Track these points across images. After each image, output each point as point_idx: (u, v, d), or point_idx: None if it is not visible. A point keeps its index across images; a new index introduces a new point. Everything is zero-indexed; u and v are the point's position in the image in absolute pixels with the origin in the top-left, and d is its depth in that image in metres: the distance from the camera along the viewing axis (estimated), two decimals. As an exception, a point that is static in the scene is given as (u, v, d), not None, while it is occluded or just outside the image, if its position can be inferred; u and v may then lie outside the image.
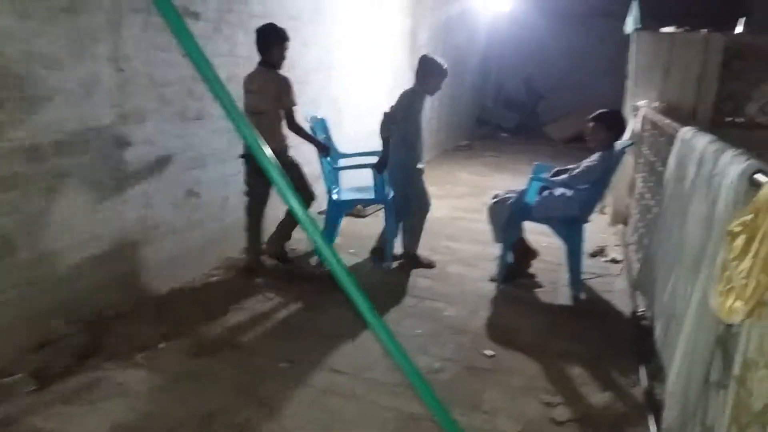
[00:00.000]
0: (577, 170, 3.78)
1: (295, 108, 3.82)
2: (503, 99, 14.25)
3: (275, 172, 1.33)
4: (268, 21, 4.51)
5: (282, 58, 3.84)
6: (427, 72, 4.23)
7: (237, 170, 4.32)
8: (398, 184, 4.29)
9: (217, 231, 4.20)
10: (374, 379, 2.81)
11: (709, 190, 2.16)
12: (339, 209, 4.52)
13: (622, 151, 3.86)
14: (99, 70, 3.07)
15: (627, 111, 5.56)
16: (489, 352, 3.10)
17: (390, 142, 4.16)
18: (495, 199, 4.09)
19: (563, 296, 3.96)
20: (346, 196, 4.58)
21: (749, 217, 1.51)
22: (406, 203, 4.29)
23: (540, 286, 4.12)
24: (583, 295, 3.92)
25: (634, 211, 5.08)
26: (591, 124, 3.95)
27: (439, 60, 4.27)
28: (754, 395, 1.41)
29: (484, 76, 13.14)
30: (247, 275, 4.00)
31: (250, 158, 3.86)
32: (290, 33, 4.91)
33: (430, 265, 4.37)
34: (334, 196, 4.41)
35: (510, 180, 7.98)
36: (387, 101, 7.43)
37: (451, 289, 4.00)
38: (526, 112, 14.02)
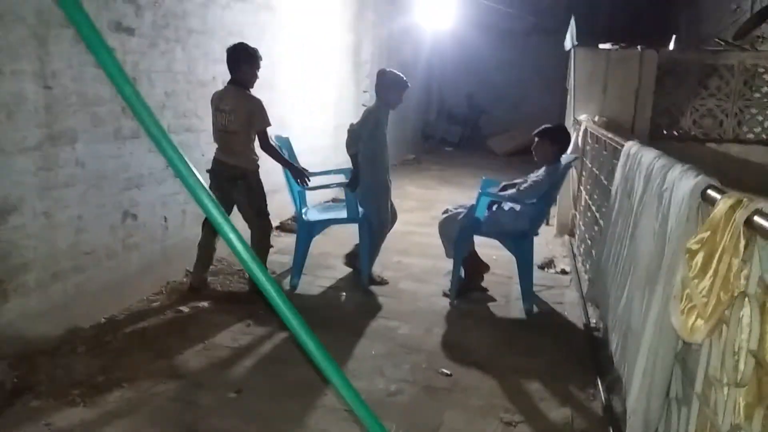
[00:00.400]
0: (525, 185, 3.80)
1: (267, 129, 3.77)
2: (446, 114, 14.44)
3: (204, 197, 1.21)
4: (207, 37, 4.39)
5: (254, 77, 3.79)
6: (389, 86, 4.20)
7: (176, 190, 4.14)
8: (369, 200, 4.20)
9: (157, 254, 4.00)
10: (325, 406, 2.69)
11: (660, 204, 2.17)
12: (310, 230, 4.35)
13: (568, 165, 3.92)
14: (23, 88, 2.86)
15: (569, 125, 5.68)
16: (445, 371, 3.03)
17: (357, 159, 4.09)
18: (445, 215, 4.07)
19: (516, 309, 3.95)
20: (317, 216, 4.45)
21: (707, 234, 1.50)
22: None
23: (493, 300, 4.10)
24: (535, 308, 3.93)
25: (579, 222, 5.17)
26: (536, 139, 3.99)
27: (398, 73, 4.23)
28: (720, 414, 1.39)
29: (427, 91, 13.27)
30: (192, 294, 3.86)
31: (213, 173, 3.80)
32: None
33: (382, 282, 4.30)
34: (304, 217, 4.28)
35: (457, 193, 8.04)
36: (332, 116, 7.42)
37: (405, 307, 3.93)
38: (469, 126, 14.25)
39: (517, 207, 3.87)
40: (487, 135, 13.65)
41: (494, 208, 3.97)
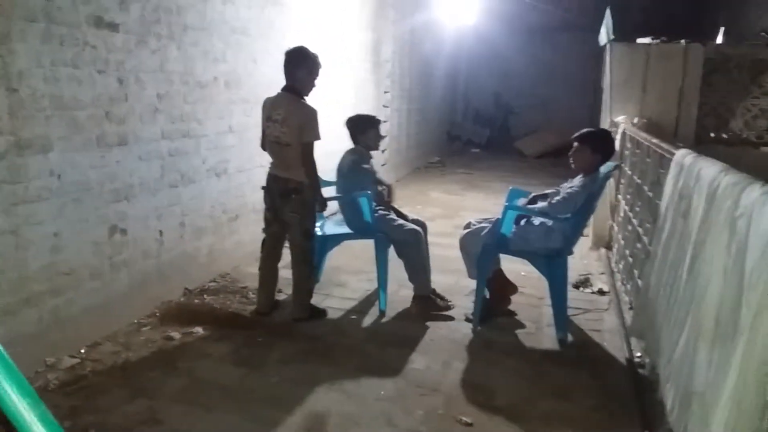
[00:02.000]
0: (558, 198, 3.34)
1: (314, 143, 3.42)
2: (473, 114, 13.97)
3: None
4: (207, 33, 4.03)
5: (311, 86, 3.48)
6: (360, 129, 4.06)
7: (172, 201, 3.79)
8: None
9: (150, 272, 3.64)
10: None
11: (733, 234, 1.71)
12: (325, 244, 4.02)
13: (607, 176, 3.44)
14: (-17, 90, 2.52)
15: (604, 127, 5.18)
16: (465, 420, 2.60)
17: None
18: (467, 230, 3.63)
19: (548, 338, 3.49)
20: (333, 230, 4.07)
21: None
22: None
23: (522, 326, 3.65)
24: (570, 337, 3.46)
25: (618, 235, 4.68)
26: (575, 144, 3.51)
27: (364, 114, 4.24)
28: None
29: (453, 90, 12.81)
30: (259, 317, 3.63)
31: (267, 189, 3.55)
32: (235, 48, 4.45)
33: (447, 308, 3.85)
34: (319, 231, 3.90)
35: (483, 199, 7.59)
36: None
37: (422, 333, 3.50)
38: (496, 127, 13.76)
39: (549, 222, 3.41)
40: (515, 136, 13.14)
41: (522, 222, 3.52)
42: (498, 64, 13.62)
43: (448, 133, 12.75)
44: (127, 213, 3.43)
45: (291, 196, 3.40)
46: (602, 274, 4.68)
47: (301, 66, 3.39)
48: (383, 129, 8.11)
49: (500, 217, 3.48)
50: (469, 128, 13.34)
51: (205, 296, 3.85)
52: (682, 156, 2.57)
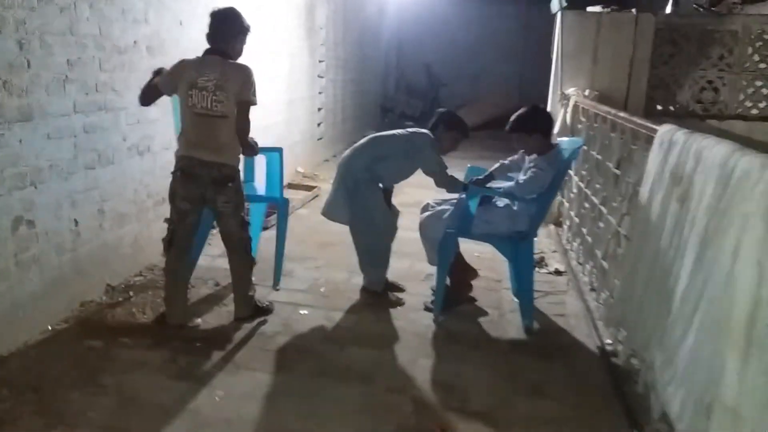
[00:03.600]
0: (524, 178, 3.10)
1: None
2: (405, 86, 13.66)
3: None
4: (124, -11, 3.48)
5: (241, 53, 3.04)
6: (449, 125, 3.54)
7: (89, 185, 3.28)
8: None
9: (65, 268, 3.14)
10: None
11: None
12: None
13: (575, 153, 3.22)
14: None
15: (554, 99, 5.02)
16: (438, 430, 2.34)
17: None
18: (427, 213, 3.34)
19: (513, 326, 3.30)
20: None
21: None
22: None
23: (484, 314, 3.44)
24: (535, 324, 3.28)
25: (570, 212, 4.55)
26: (513, 136, 3.28)
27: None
28: None
29: (385, 61, 12.44)
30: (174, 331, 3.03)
31: (190, 178, 2.89)
32: (158, 8, 3.89)
33: (399, 304, 3.51)
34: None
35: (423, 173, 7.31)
36: (285, 90, 6.54)
37: (380, 327, 3.22)
38: (429, 99, 13.53)
39: (515, 205, 3.19)
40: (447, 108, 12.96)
41: (484, 204, 3.27)
42: (429, 35, 13.37)
43: (381, 105, 12.40)
44: (35, 201, 2.90)
45: (227, 185, 2.91)
46: (554, 252, 4.56)
47: (232, 29, 2.95)
48: (319, 100, 7.72)
49: (462, 199, 3.22)
50: (403, 100, 13.04)
51: (130, 294, 3.39)
52: (669, 132, 2.38)
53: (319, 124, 7.78)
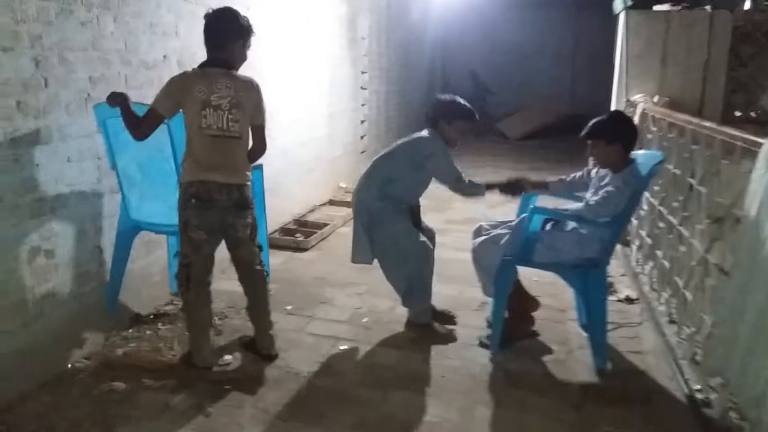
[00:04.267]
0: (596, 198, 2.69)
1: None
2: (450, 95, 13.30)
3: None
4: (153, 4, 3.27)
5: (243, 59, 2.69)
6: (451, 114, 3.30)
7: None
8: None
9: (88, 299, 2.91)
10: None
11: None
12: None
13: (652, 172, 2.79)
14: None
15: (619, 107, 4.58)
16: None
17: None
18: (481, 238, 2.97)
19: (582, 366, 2.88)
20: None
21: None
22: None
23: (548, 351, 3.03)
24: (609, 365, 2.86)
25: (641, 231, 4.09)
26: (588, 143, 2.88)
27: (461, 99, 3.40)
28: None
29: (430, 70, 12.10)
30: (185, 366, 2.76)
31: (207, 204, 2.55)
32: (189, 20, 3.67)
33: (450, 338, 3.15)
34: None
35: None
36: (326, 103, 6.28)
37: (428, 369, 2.85)
38: (475, 108, 13.10)
39: (583, 229, 2.78)
40: (494, 117, 12.53)
41: (548, 226, 2.88)
42: (474, 41, 13.00)
43: (426, 115, 12.06)
44: (54, 229, 2.69)
45: (245, 210, 2.65)
46: (623, 275, 4.10)
47: (230, 34, 2.59)
48: (362, 113, 7.45)
49: (519, 221, 2.84)
50: (449, 110, 12.66)
51: (159, 326, 3.13)
52: (781, 146, 1.95)
53: (362, 137, 7.50)
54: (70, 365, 2.73)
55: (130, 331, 3.06)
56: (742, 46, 4.36)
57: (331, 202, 5.96)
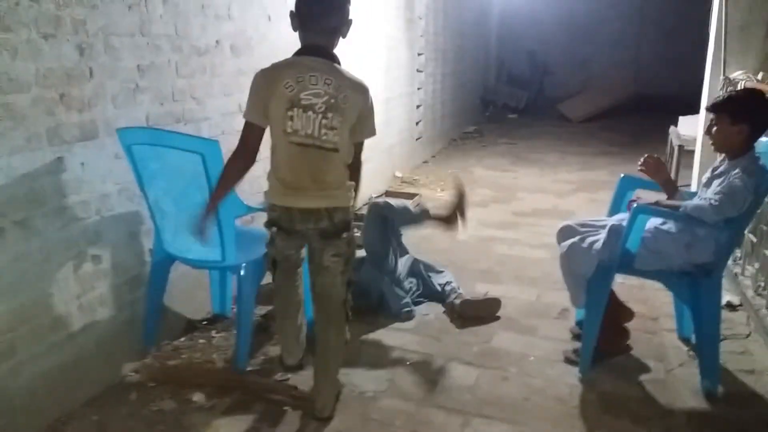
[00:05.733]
0: (718, 195, 2.28)
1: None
2: (506, 75, 12.73)
3: None
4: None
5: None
6: None
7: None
8: None
9: (138, 307, 2.71)
10: None
11: None
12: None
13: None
14: None
15: (714, 86, 4.08)
16: None
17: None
18: (570, 240, 2.60)
19: (686, 388, 2.51)
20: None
21: None
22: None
23: (645, 368, 2.66)
24: (720, 388, 2.47)
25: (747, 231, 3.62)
26: (711, 117, 2.47)
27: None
28: None
29: (485, 50, 11.58)
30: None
31: (289, 231, 2.18)
32: (244, 1, 3.42)
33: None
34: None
35: (538, 175, 6.52)
36: (382, 87, 5.96)
37: (506, 389, 2.52)
38: (534, 89, 12.53)
39: (699, 230, 2.38)
40: (553, 98, 11.92)
41: (651, 227, 2.49)
42: (532, 20, 12.36)
43: (481, 98, 11.57)
44: (101, 232, 2.48)
45: (341, 235, 2.15)
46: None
47: (341, 10, 2.06)
48: (418, 97, 7.10)
49: (621, 223, 2.46)
50: (506, 91, 12.12)
51: (213, 332, 2.92)
52: None
53: (417, 123, 7.15)
54: (118, 380, 2.54)
55: (182, 339, 2.85)
56: None
57: (388, 194, 5.65)
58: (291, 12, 2.04)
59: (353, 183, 2.18)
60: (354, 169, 2.16)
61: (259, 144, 2.10)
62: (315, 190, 2.06)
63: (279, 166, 2.08)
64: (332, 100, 1.98)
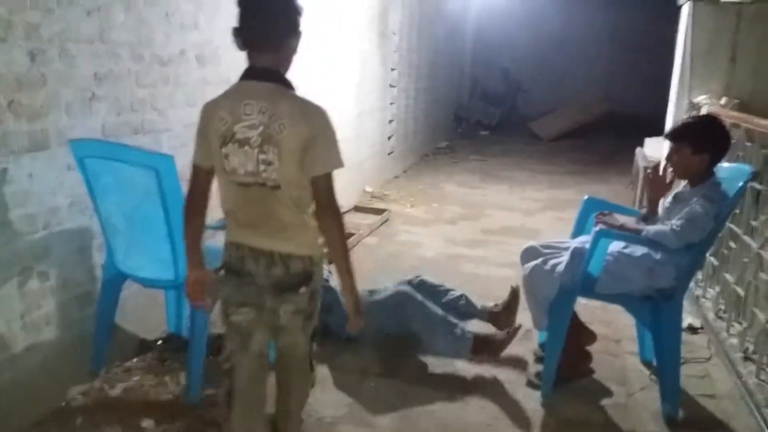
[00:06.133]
0: (681, 222, 2.28)
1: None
2: (480, 92, 12.84)
3: None
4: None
5: (292, 57, 1.80)
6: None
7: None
8: None
9: (86, 325, 2.59)
10: None
11: None
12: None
13: (743, 188, 2.38)
14: None
15: (679, 109, 4.14)
16: None
17: None
18: (533, 262, 2.58)
19: (647, 411, 2.50)
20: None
21: None
22: None
23: (606, 392, 2.64)
24: (681, 412, 2.46)
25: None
26: (670, 145, 2.49)
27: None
28: None
29: (459, 67, 11.67)
30: None
31: (237, 277, 1.78)
32: (211, 10, 3.35)
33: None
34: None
35: (507, 192, 6.54)
36: (354, 102, 5.92)
37: (470, 411, 2.48)
38: (507, 106, 12.65)
39: (656, 254, 2.38)
40: (526, 116, 12.06)
41: (614, 251, 2.48)
42: (506, 37, 12.53)
43: (454, 114, 11.64)
44: (49, 247, 2.38)
45: (299, 289, 1.74)
46: (683, 299, 3.67)
47: (288, 25, 1.71)
48: (390, 112, 7.09)
49: (583, 245, 2.45)
50: (479, 108, 12.22)
51: (165, 355, 2.80)
52: None
53: (389, 138, 7.14)
54: (64, 403, 2.42)
55: (134, 360, 2.74)
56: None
57: (357, 209, 5.61)
58: (234, 29, 1.69)
59: (330, 229, 1.72)
60: (323, 211, 1.71)
61: (208, 187, 1.81)
62: (268, 230, 1.72)
63: (227, 206, 1.78)
64: (266, 131, 1.62)
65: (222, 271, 1.79)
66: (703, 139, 2.40)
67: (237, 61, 3.25)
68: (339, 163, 1.70)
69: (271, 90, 1.67)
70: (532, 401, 2.54)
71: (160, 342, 2.87)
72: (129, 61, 2.75)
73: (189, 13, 3.15)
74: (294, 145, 1.63)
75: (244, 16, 1.68)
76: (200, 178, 1.79)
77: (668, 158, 2.51)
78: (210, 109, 1.72)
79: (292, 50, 1.76)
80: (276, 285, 1.73)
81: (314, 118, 1.67)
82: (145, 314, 2.93)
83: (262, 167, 1.65)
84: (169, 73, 3.02)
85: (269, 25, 1.67)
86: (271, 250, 1.72)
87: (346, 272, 1.76)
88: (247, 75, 1.71)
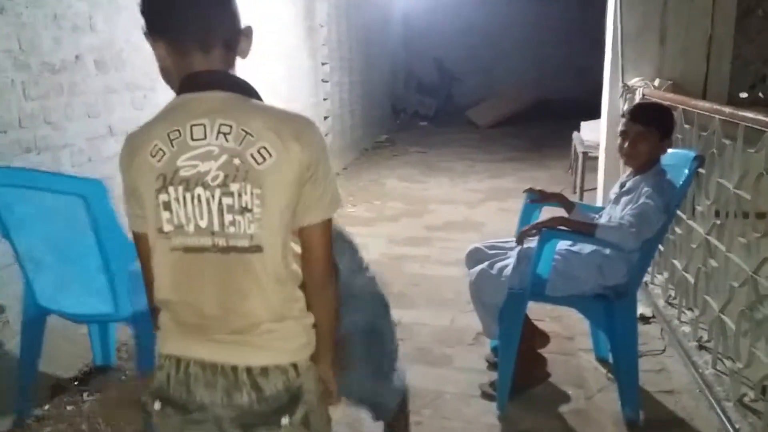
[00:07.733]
0: (630, 218, 2.13)
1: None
2: (416, 83, 12.71)
3: None
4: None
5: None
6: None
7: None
8: None
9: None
10: None
11: None
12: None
13: (690, 176, 2.26)
14: None
15: (613, 94, 4.07)
16: None
17: None
18: (478, 267, 2.41)
19: (607, 415, 2.37)
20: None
21: None
22: None
23: (564, 397, 2.51)
24: (641, 414, 2.35)
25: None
26: (638, 128, 2.28)
27: None
28: None
29: (393, 58, 11.49)
30: None
31: (169, 407, 1.11)
32: (110, 10, 3.01)
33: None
34: None
35: (449, 185, 6.41)
36: (283, 97, 5.64)
37: (423, 429, 2.30)
38: (442, 96, 12.58)
39: (606, 250, 2.25)
40: (462, 105, 12.02)
41: (562, 250, 2.34)
42: (437, 26, 12.45)
43: (392, 106, 11.47)
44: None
45: (281, 420, 1.08)
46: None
47: (233, 13, 1.17)
48: (325, 107, 6.83)
49: (529, 246, 2.29)
50: (415, 99, 12.10)
51: (84, 395, 2.49)
52: None
53: (326, 135, 6.88)
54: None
55: (47, 407, 2.41)
56: (750, 19, 3.90)
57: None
58: (144, 32, 1.11)
59: (323, 315, 1.16)
60: (319, 282, 1.13)
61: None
62: (228, 330, 1.08)
63: (162, 286, 1.11)
64: (235, 161, 1.03)
65: (155, 404, 1.11)
66: (669, 125, 2.31)
67: (144, 64, 2.96)
68: (339, 200, 1.14)
69: (231, 101, 1.09)
70: (488, 415, 2.38)
71: (76, 382, 2.55)
72: (11, 70, 2.41)
73: (83, 14, 2.81)
74: (287, 179, 1.04)
75: (166, 5, 1.08)
76: (144, 245, 1.13)
77: (631, 143, 2.31)
78: (135, 144, 1.08)
79: (242, 51, 1.21)
80: (242, 418, 1.08)
81: (309, 136, 1.07)
82: (58, 352, 2.59)
83: (228, 219, 1.03)
84: (62, 82, 2.69)
85: (216, 10, 1.12)
86: (235, 365, 1.07)
87: (330, 364, 1.19)
88: (190, 85, 1.09)
